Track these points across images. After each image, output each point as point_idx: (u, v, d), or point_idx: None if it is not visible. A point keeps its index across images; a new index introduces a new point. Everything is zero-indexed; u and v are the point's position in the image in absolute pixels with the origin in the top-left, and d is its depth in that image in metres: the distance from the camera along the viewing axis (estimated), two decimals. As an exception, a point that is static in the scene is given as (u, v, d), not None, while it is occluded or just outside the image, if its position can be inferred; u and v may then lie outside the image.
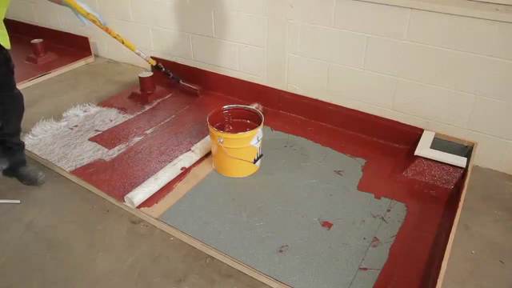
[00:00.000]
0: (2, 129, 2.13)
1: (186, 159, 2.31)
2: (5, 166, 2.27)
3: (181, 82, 3.04)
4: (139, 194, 2.06)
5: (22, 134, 2.29)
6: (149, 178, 2.19)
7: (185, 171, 2.30)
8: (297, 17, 2.65)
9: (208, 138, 2.42)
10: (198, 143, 2.44)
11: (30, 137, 2.62)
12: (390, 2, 2.29)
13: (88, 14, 2.18)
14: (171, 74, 2.91)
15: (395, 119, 2.52)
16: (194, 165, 2.37)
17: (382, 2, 2.31)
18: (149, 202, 2.10)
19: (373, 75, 2.55)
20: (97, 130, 2.71)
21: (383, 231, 1.94)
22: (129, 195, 2.05)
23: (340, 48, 2.59)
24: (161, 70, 2.83)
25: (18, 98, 2.15)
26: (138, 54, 2.58)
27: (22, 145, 2.30)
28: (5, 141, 2.20)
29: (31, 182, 2.26)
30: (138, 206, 2.06)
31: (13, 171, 2.29)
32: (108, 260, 1.83)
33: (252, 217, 2.01)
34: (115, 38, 2.49)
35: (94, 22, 2.24)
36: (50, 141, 2.60)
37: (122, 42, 2.51)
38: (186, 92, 3.13)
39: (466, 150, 2.31)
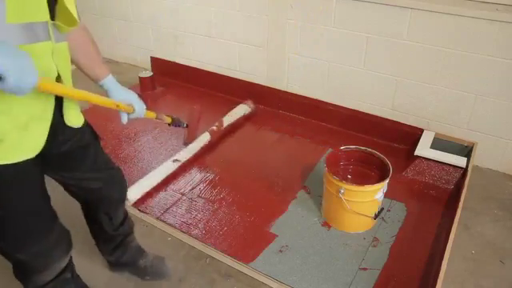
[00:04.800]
0: (110, 223, 1.56)
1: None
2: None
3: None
4: (133, 190, 2.08)
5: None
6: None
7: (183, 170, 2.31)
8: (297, 17, 2.65)
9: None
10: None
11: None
12: (390, 2, 2.29)
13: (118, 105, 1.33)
14: (182, 122, 1.97)
15: (395, 119, 2.52)
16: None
17: (382, 2, 2.31)
18: (149, 202, 2.11)
19: (373, 75, 2.55)
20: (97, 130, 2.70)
21: (383, 231, 1.94)
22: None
23: (340, 48, 2.59)
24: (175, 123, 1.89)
25: (120, 174, 1.54)
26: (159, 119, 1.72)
27: (132, 227, 1.70)
28: (116, 235, 1.62)
29: (158, 275, 1.73)
30: (134, 203, 2.07)
31: (128, 265, 1.73)
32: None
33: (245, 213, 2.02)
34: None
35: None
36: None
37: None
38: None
39: (466, 150, 2.31)
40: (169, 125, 1.85)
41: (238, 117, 2.74)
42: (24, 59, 0.89)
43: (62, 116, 1.18)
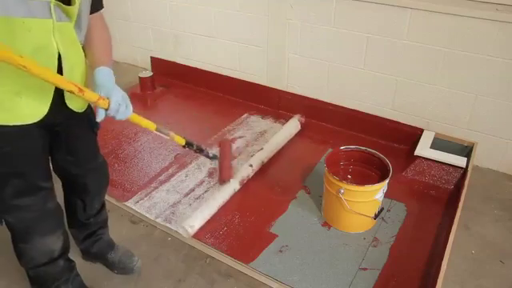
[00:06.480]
0: (84, 211, 1.61)
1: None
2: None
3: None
4: (196, 221, 1.93)
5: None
6: (162, 186, 2.19)
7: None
8: (297, 17, 2.65)
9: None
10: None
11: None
12: (389, 2, 2.29)
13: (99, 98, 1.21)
14: (205, 150, 1.84)
15: (395, 119, 2.52)
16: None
17: (382, 2, 2.31)
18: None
19: (373, 75, 2.55)
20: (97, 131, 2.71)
21: (383, 231, 1.94)
22: (185, 224, 1.91)
23: (340, 48, 2.59)
24: (192, 148, 1.76)
25: (103, 168, 1.60)
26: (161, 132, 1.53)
27: (106, 221, 1.76)
28: (88, 224, 1.67)
29: (125, 271, 1.75)
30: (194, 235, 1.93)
31: (97, 257, 1.78)
32: (108, 260, 1.83)
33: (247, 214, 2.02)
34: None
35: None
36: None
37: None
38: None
39: (466, 150, 2.31)
40: (183, 147, 1.68)
41: (288, 137, 2.61)
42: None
43: (63, 96, 1.23)
